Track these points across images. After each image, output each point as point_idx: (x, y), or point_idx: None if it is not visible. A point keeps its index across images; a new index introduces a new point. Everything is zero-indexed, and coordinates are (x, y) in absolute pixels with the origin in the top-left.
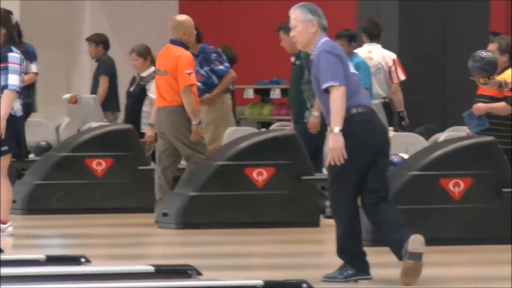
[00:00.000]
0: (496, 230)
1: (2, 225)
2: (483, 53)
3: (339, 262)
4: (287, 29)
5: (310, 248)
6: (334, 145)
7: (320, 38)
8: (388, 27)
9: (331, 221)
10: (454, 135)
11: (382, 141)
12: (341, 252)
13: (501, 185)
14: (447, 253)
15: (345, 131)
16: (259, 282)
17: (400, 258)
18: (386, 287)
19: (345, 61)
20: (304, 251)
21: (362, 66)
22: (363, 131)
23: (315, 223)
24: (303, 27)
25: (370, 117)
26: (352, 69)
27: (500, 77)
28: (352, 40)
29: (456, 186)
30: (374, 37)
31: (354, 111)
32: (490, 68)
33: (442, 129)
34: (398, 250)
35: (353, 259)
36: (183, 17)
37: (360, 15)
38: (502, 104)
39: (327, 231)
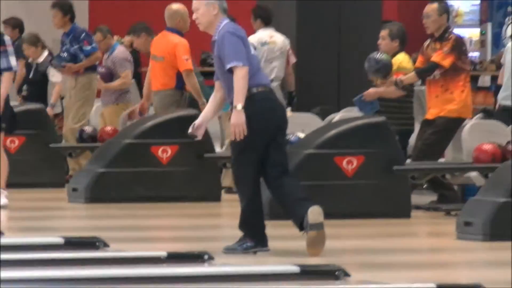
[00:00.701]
0: (387, 205)
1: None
2: (378, 56)
3: (239, 234)
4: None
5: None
6: (237, 121)
7: (221, 20)
8: (285, 10)
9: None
10: (348, 115)
11: (281, 119)
12: (242, 225)
13: (392, 162)
14: (341, 226)
15: (247, 109)
16: (163, 253)
17: (302, 230)
18: (285, 258)
19: (247, 43)
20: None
21: None
22: (264, 109)
23: None
24: (205, 9)
25: (270, 96)
26: (252, 51)
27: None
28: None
29: (349, 164)
30: (268, 22)
31: (254, 90)
32: (385, 70)
33: (337, 110)
34: (300, 222)
35: (253, 232)
36: (178, 5)
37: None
38: (391, 88)
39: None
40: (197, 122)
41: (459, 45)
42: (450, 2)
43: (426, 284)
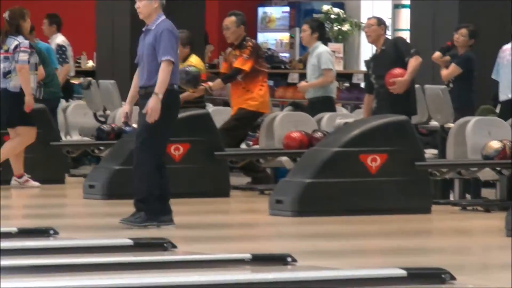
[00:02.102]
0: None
1: None
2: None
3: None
4: None
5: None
6: (156, 106)
7: (159, 15)
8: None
9: None
10: None
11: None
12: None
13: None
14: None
15: (166, 100)
16: (14, 229)
17: None
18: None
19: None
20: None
21: (51, 52)
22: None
23: None
24: (147, 1)
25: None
26: None
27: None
28: None
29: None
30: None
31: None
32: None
33: None
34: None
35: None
36: None
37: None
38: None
39: None
40: (127, 109)
41: (256, 50)
42: (264, 9)
43: (242, 255)
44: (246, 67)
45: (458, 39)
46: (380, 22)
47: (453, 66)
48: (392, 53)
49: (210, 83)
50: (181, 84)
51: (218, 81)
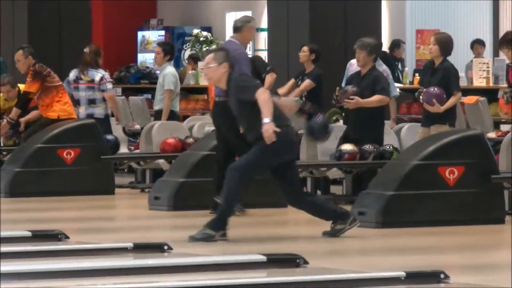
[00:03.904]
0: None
1: None
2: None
3: None
4: None
5: None
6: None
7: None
8: None
9: None
10: None
11: None
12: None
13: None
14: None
15: None
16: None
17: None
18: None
19: None
20: None
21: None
22: None
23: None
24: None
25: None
26: None
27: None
28: None
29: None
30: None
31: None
32: None
33: None
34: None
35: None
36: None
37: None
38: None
39: None
40: None
41: (37, 72)
42: (143, 33)
43: (125, 244)
44: (33, 88)
45: (301, 55)
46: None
47: (308, 81)
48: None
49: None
50: None
51: (14, 109)
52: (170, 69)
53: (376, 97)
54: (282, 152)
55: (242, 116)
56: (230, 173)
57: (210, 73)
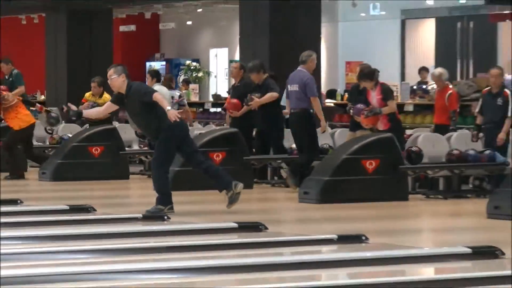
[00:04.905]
0: None
1: None
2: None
3: None
4: None
5: None
6: None
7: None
8: None
9: None
10: None
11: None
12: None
13: None
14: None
15: None
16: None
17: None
18: None
19: None
20: None
21: None
22: None
23: None
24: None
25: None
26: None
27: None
28: None
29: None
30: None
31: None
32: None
33: None
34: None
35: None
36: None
37: None
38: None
39: None
40: None
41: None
42: (150, 63)
43: (136, 215)
44: None
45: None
46: (242, 66)
47: (270, 94)
48: (242, 88)
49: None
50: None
51: None
52: (157, 87)
53: (268, 95)
54: (176, 138)
55: (141, 118)
56: (153, 163)
57: (113, 83)
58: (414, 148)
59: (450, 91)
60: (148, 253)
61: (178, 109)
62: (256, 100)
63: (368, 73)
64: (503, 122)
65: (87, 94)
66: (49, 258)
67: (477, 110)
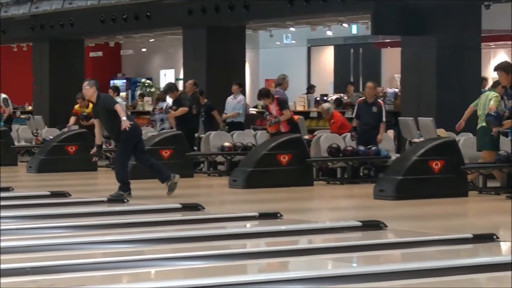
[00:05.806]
0: None
1: None
2: None
3: None
4: None
5: None
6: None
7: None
8: None
9: None
10: None
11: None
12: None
13: None
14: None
15: None
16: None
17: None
18: None
19: None
20: None
21: None
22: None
23: None
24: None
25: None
26: None
27: None
28: None
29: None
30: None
31: None
32: None
33: None
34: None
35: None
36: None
37: None
38: None
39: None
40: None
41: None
42: (113, 81)
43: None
44: None
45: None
46: (195, 83)
47: (182, 108)
48: (192, 99)
49: None
50: None
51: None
52: (118, 99)
53: (180, 109)
54: (133, 140)
55: (105, 122)
56: (115, 158)
57: (86, 92)
58: (334, 145)
59: (332, 120)
60: (111, 228)
61: (166, 114)
62: (172, 113)
63: (265, 93)
64: (379, 125)
65: (76, 106)
66: (35, 233)
67: (354, 115)
